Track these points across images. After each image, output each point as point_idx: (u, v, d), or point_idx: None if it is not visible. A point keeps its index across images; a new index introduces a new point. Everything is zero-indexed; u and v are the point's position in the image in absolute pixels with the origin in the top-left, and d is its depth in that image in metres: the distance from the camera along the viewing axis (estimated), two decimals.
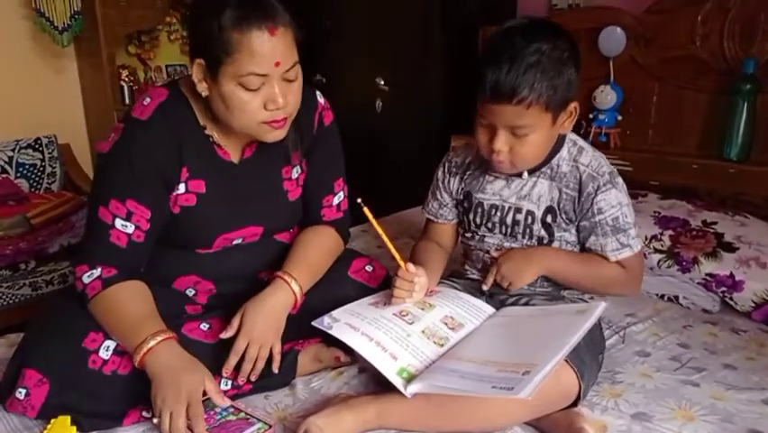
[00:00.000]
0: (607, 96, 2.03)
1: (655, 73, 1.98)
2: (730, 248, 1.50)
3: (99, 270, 1.04)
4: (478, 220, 1.23)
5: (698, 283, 1.50)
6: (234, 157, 1.14)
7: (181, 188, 1.10)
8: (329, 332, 1.07)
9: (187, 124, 1.09)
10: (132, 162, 1.04)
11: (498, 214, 1.20)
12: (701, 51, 1.86)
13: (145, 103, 1.07)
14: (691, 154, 1.91)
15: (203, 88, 1.03)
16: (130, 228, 1.05)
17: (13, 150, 2.47)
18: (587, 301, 1.23)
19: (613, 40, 1.98)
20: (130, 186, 1.05)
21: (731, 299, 1.45)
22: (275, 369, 1.10)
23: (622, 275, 1.17)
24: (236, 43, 0.96)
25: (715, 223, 1.59)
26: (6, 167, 2.44)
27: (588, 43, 2.03)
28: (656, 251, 1.56)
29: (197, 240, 1.13)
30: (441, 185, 1.30)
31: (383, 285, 1.25)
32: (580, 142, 1.19)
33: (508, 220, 1.19)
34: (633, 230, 1.16)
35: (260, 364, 1.08)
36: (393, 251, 1.14)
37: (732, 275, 1.45)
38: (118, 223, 1.05)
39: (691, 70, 1.89)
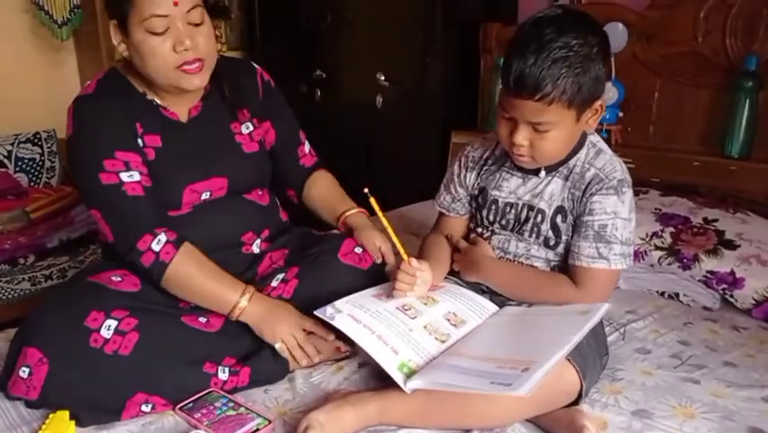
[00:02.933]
0: (608, 93, 2.02)
1: (657, 69, 1.97)
2: (731, 245, 1.50)
3: (164, 235, 1.09)
4: (491, 217, 1.22)
5: (698, 280, 1.50)
6: (182, 117, 1.21)
7: (139, 142, 1.15)
8: (331, 322, 1.07)
9: (130, 92, 1.17)
10: (98, 123, 1.11)
11: (513, 211, 1.19)
12: (703, 48, 1.85)
13: (86, 84, 1.17)
14: (693, 151, 1.90)
15: (122, 49, 1.13)
16: (136, 176, 1.11)
17: (12, 144, 2.46)
18: None
19: (615, 36, 1.96)
20: (110, 141, 1.10)
21: (732, 296, 1.45)
22: (330, 338, 1.16)
23: (568, 292, 1.12)
24: None
25: (716, 220, 1.58)
26: (5, 161, 2.43)
27: None
28: (657, 248, 1.55)
29: (165, 196, 1.16)
30: (456, 179, 1.28)
31: (373, 267, 1.25)
32: (601, 144, 1.16)
33: (522, 217, 1.18)
34: (619, 247, 1.10)
35: (309, 349, 1.14)
36: (398, 244, 1.14)
37: (733, 272, 1.45)
38: (124, 177, 1.10)
39: (693, 67, 1.88)
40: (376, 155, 2.68)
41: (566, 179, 1.14)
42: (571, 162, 1.14)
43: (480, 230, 1.26)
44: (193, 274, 1.10)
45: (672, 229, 1.58)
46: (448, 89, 2.46)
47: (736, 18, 1.78)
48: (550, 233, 1.16)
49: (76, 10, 2.51)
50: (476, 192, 1.26)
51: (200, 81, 1.12)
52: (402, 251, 1.14)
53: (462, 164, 1.28)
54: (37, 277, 2.11)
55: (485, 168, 1.24)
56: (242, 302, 1.11)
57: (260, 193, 1.30)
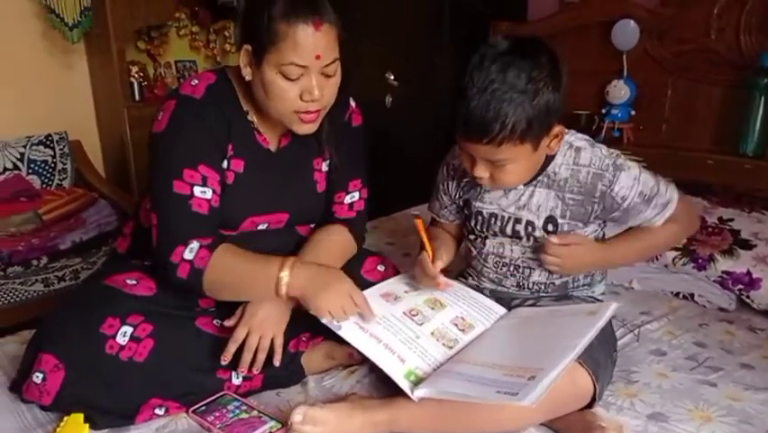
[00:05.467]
0: (620, 91, 2.00)
1: (669, 67, 1.95)
2: (747, 245, 1.48)
3: (196, 243, 1.06)
4: (479, 227, 1.20)
5: (714, 281, 1.48)
6: (272, 145, 1.19)
7: (224, 164, 1.13)
8: (338, 333, 1.06)
9: (233, 107, 1.14)
10: (195, 131, 1.08)
11: (498, 223, 1.17)
12: (717, 45, 1.83)
13: (193, 83, 1.12)
14: (706, 150, 1.88)
15: (247, 73, 1.08)
16: (208, 193, 1.08)
17: (24, 146, 2.48)
18: (597, 299, 1.21)
19: (626, 33, 1.96)
20: (198, 152, 1.08)
21: (748, 297, 1.43)
22: (276, 362, 1.10)
23: (674, 228, 1.15)
24: (282, 34, 1.01)
25: (731, 220, 1.56)
26: (18, 163, 2.45)
27: (600, 37, 2.01)
28: (672, 248, 1.54)
29: (226, 219, 1.15)
30: (441, 187, 1.27)
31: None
32: (577, 141, 1.12)
33: (508, 230, 1.16)
34: (661, 185, 1.11)
35: (261, 356, 1.08)
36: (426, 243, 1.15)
37: (749, 273, 1.43)
38: (197, 191, 1.07)
39: (706, 64, 1.86)
40: (385, 154, 2.68)
41: (549, 187, 1.12)
42: (550, 169, 1.11)
43: (472, 237, 1.24)
44: (230, 270, 1.06)
45: None
46: None
47: (750, 15, 1.76)
48: (545, 236, 1.14)
49: (86, 12, 2.52)
50: (461, 203, 1.24)
51: (312, 128, 1.11)
52: (428, 246, 1.15)
53: (444, 173, 1.26)
54: (50, 278, 2.12)
55: (465, 179, 1.22)
56: (284, 277, 1.03)
57: (311, 227, 1.27)
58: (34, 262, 2.12)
